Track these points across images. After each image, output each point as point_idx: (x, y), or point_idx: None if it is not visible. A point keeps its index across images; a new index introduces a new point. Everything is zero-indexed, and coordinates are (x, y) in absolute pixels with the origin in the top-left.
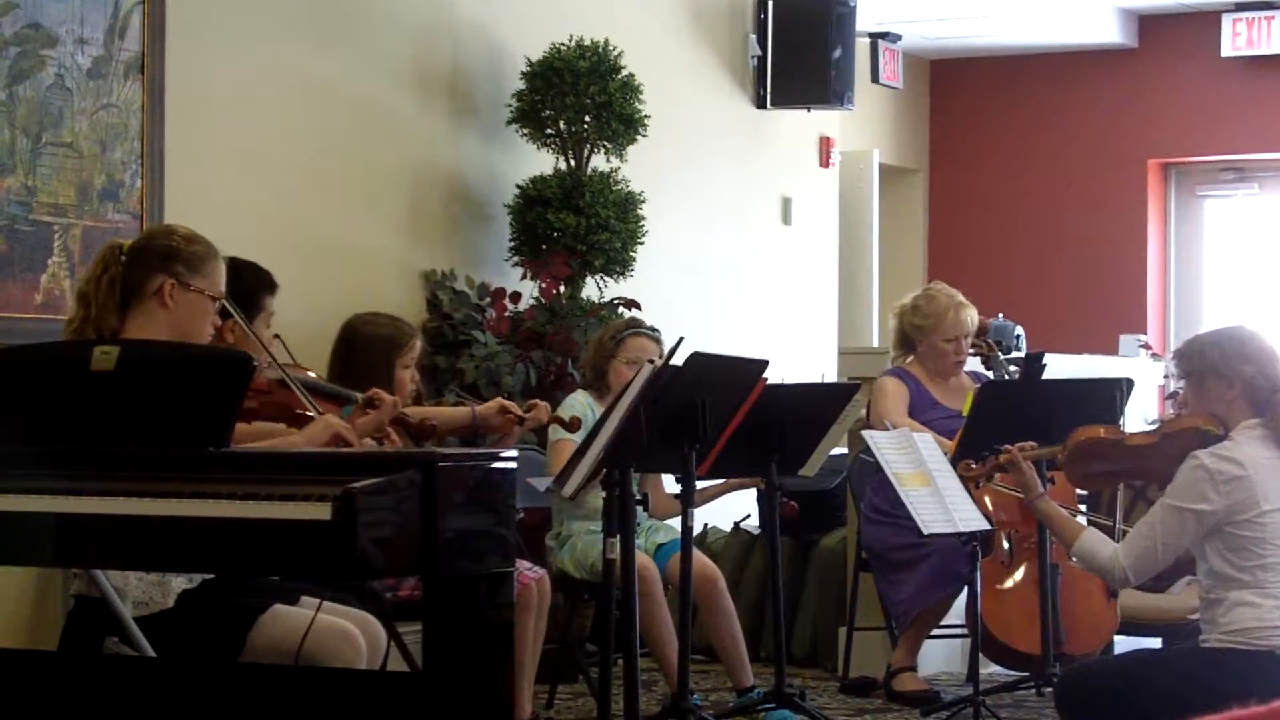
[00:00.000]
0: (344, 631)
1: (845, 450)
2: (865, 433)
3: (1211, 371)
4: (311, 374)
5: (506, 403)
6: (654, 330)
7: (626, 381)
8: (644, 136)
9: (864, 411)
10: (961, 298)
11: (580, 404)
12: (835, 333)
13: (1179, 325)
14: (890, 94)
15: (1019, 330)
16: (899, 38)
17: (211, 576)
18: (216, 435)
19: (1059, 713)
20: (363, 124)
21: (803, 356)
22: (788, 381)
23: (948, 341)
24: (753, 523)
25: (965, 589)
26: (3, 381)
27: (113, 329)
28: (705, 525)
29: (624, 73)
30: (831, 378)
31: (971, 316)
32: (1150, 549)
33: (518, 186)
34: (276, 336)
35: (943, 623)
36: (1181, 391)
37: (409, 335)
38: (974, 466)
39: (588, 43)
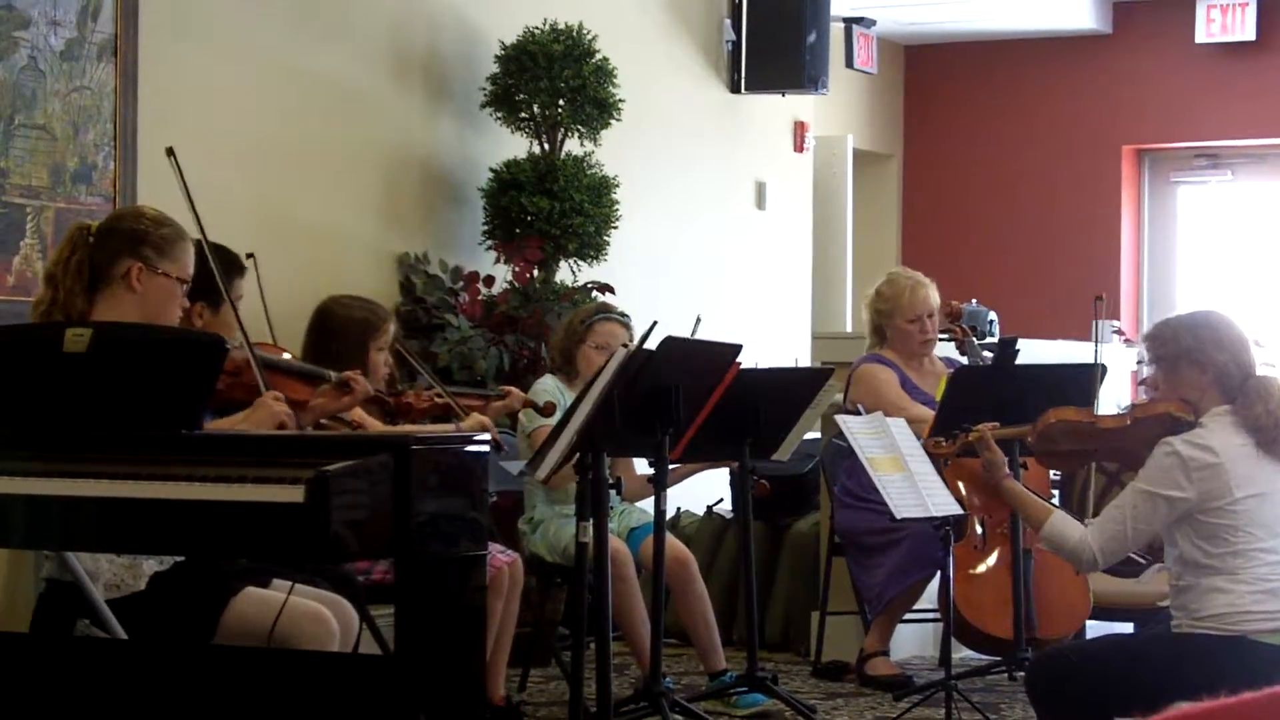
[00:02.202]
0: (316, 614)
1: (818, 435)
2: (838, 417)
3: (1185, 357)
4: (287, 355)
5: (487, 424)
6: (624, 316)
7: (594, 366)
8: (618, 121)
9: (839, 396)
10: (920, 278)
11: (551, 389)
12: (809, 318)
13: (1152, 311)
14: (864, 79)
15: (992, 315)
16: (873, 23)
17: (183, 559)
18: (189, 417)
19: (1030, 697)
20: (337, 107)
21: (776, 341)
22: (761, 366)
23: (910, 322)
24: (725, 506)
25: (938, 573)
26: None
27: (80, 311)
28: (678, 509)
29: (598, 57)
30: (805, 362)
31: (931, 295)
32: (1121, 533)
33: (491, 170)
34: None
35: (915, 607)
36: (1151, 375)
37: (383, 318)
38: (943, 444)
39: (562, 26)
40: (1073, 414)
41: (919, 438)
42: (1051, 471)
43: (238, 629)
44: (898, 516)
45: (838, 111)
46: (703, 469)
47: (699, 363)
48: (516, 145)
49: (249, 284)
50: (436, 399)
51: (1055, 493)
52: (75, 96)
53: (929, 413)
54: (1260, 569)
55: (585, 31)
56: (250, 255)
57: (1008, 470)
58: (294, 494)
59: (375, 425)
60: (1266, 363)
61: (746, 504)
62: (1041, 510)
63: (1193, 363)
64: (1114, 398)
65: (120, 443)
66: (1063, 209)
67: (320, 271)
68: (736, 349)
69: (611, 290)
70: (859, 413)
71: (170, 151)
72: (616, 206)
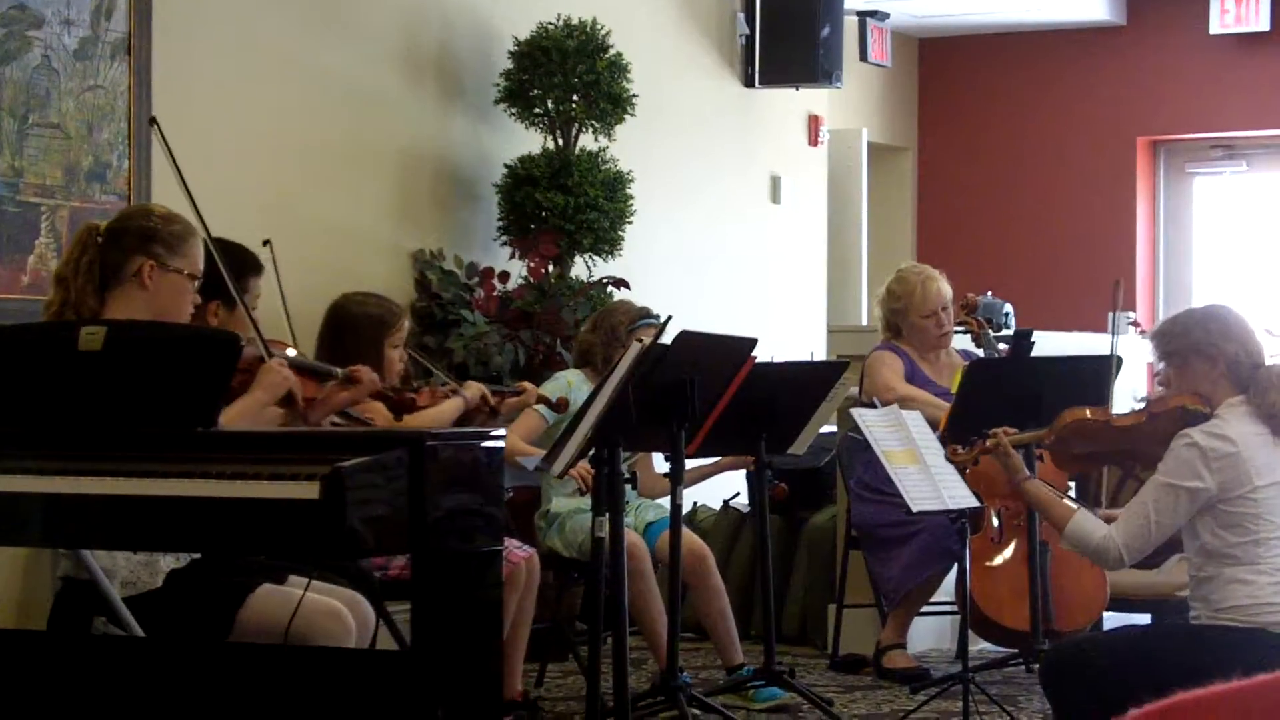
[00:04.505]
0: (332, 610)
1: (834, 428)
2: (854, 411)
3: (1195, 351)
4: (291, 351)
5: (486, 392)
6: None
7: None
8: (632, 116)
9: (854, 389)
10: (931, 272)
11: (569, 383)
12: (824, 311)
13: (1168, 302)
14: (879, 72)
15: (1008, 308)
16: (887, 16)
17: (200, 556)
18: (204, 415)
19: (1046, 689)
20: (350, 104)
21: (792, 335)
22: (777, 360)
23: (925, 317)
24: (742, 501)
25: (954, 566)
26: None
27: (92, 311)
28: (694, 503)
29: (612, 52)
30: (820, 356)
31: (943, 288)
32: (1144, 528)
33: (506, 166)
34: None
35: (932, 600)
36: (1164, 372)
37: (397, 315)
38: (960, 451)
39: (575, 22)
40: (1088, 414)
41: (935, 428)
42: None
43: (254, 626)
44: (914, 510)
45: (852, 105)
46: (720, 471)
47: (714, 357)
48: (531, 141)
49: (265, 277)
50: (450, 395)
51: (1071, 484)
52: (89, 95)
53: (921, 392)
54: None
55: (599, 27)
56: (267, 242)
57: (1028, 473)
58: (309, 490)
59: (388, 420)
60: (1278, 352)
61: (763, 498)
62: (1064, 510)
63: (1203, 356)
64: (1130, 389)
65: (135, 440)
66: (1078, 200)
67: (335, 269)
68: (751, 343)
69: (626, 285)
70: (874, 405)
71: (153, 121)
72: (631, 201)
